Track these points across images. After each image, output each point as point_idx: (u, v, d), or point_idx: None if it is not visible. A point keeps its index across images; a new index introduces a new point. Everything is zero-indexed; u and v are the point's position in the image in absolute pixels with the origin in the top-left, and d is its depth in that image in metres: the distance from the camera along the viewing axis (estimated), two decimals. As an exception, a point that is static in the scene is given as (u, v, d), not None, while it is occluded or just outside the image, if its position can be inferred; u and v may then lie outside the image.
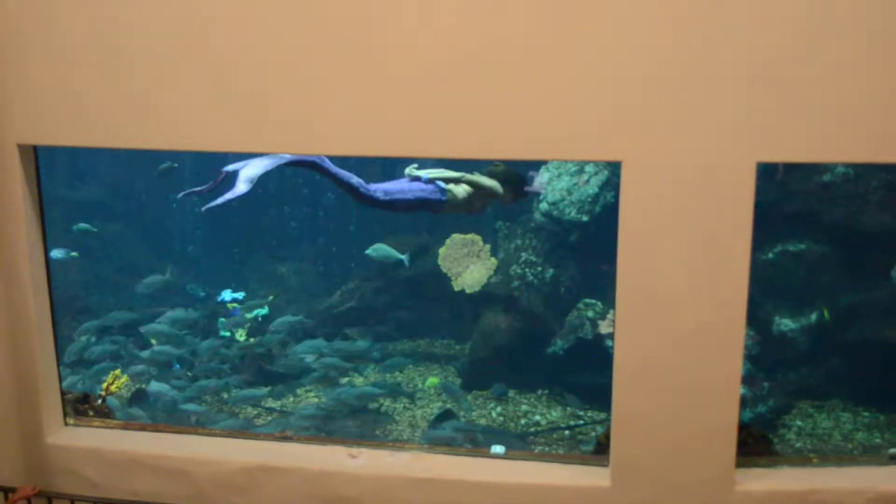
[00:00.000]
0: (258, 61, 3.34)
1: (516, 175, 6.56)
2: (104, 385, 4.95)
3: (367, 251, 8.71)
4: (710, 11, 3.05)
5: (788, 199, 7.40)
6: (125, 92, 3.45)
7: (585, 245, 8.14)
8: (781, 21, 3.03)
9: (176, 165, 9.53)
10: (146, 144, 3.55)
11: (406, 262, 8.70)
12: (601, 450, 4.01)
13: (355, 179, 6.01)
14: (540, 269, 8.31)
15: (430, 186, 6.21)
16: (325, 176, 6.05)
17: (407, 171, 6.32)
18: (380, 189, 6.12)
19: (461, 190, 6.28)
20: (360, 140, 3.38)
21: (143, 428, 4.14)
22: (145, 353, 8.41)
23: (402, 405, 8.11)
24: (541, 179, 6.70)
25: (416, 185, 6.22)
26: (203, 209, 5.89)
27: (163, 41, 3.38)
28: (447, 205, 6.29)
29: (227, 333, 9.06)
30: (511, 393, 8.17)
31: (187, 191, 6.06)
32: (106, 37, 3.41)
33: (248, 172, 5.75)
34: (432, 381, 8.70)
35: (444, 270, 8.73)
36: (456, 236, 8.78)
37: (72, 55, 3.45)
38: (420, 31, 3.22)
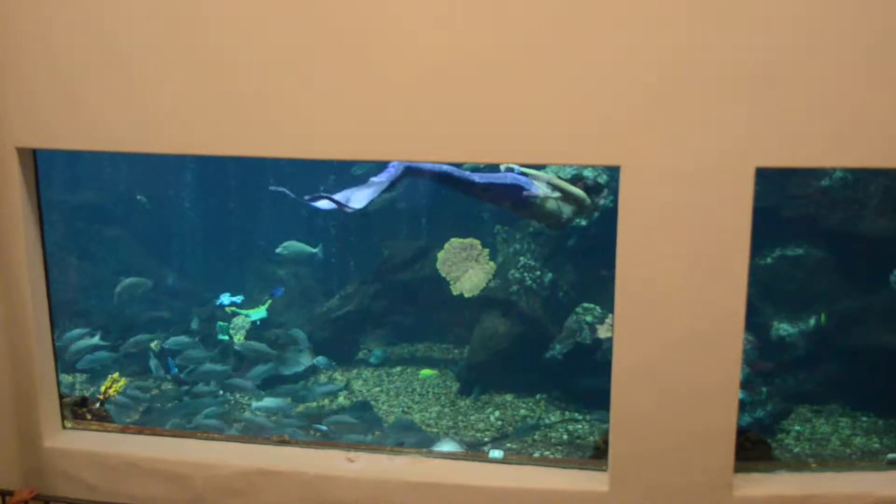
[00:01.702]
0: (256, 66, 3.35)
1: (596, 185, 6.53)
2: (102, 388, 4.95)
3: (277, 249, 8.77)
4: (709, 17, 3.05)
5: (787, 204, 7.40)
6: (124, 96, 3.45)
7: (584, 249, 8.14)
8: (780, 26, 3.03)
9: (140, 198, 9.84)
10: (144, 148, 3.55)
11: (319, 254, 8.72)
12: (599, 454, 4.01)
13: (446, 167, 6.00)
14: (538, 273, 8.31)
15: (524, 178, 6.18)
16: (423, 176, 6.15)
17: (503, 165, 6.35)
18: (475, 175, 6.12)
19: (552, 193, 6.26)
20: (357, 143, 3.38)
21: (140, 431, 4.14)
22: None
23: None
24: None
25: (509, 174, 6.20)
26: (308, 199, 6.07)
27: (161, 46, 3.38)
28: (538, 201, 6.23)
29: (226, 337, 9.05)
30: (509, 397, 8.15)
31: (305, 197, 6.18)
32: (104, 41, 3.41)
33: (359, 196, 6.01)
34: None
35: (443, 275, 8.72)
36: (455, 240, 8.77)
37: (70, 59, 3.45)
38: (419, 35, 3.23)
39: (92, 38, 3.42)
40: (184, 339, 8.74)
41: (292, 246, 8.78)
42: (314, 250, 8.73)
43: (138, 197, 9.87)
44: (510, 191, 6.15)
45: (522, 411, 7.90)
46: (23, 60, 3.47)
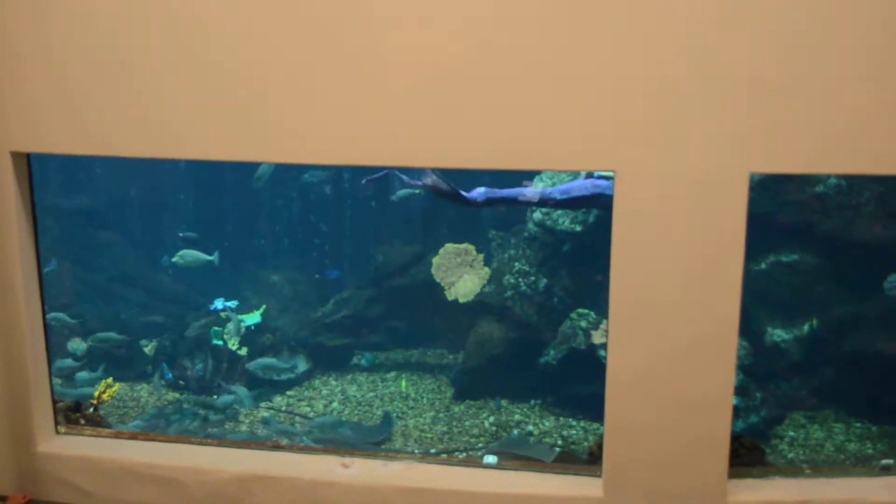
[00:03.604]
0: (255, 71, 3.35)
1: None
2: (96, 393, 4.93)
3: (174, 259, 8.77)
4: (707, 25, 3.07)
5: (781, 210, 7.41)
6: (120, 100, 3.45)
7: (579, 255, 8.13)
8: (777, 34, 3.05)
9: (188, 234, 9.78)
10: (140, 153, 3.55)
11: (216, 262, 8.70)
12: (594, 460, 4.01)
13: (529, 191, 6.13)
14: (533, 278, 8.30)
15: (605, 182, 6.28)
16: (495, 204, 6.30)
17: (582, 172, 6.48)
18: (556, 191, 6.25)
19: None
20: (355, 149, 3.39)
21: (134, 437, 4.13)
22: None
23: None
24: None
25: (589, 181, 6.31)
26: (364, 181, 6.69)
27: (158, 50, 3.38)
28: None
29: (220, 342, 9.02)
30: (504, 402, 8.15)
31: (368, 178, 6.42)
32: (101, 45, 3.41)
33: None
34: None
35: (438, 280, 8.72)
36: (449, 246, 8.76)
37: (67, 63, 3.45)
38: (417, 42, 3.23)
39: (89, 41, 3.42)
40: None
41: (188, 255, 8.75)
42: (210, 258, 8.70)
43: (181, 234, 9.81)
44: (593, 199, 6.31)
45: (517, 416, 7.89)
46: (19, 64, 3.47)
